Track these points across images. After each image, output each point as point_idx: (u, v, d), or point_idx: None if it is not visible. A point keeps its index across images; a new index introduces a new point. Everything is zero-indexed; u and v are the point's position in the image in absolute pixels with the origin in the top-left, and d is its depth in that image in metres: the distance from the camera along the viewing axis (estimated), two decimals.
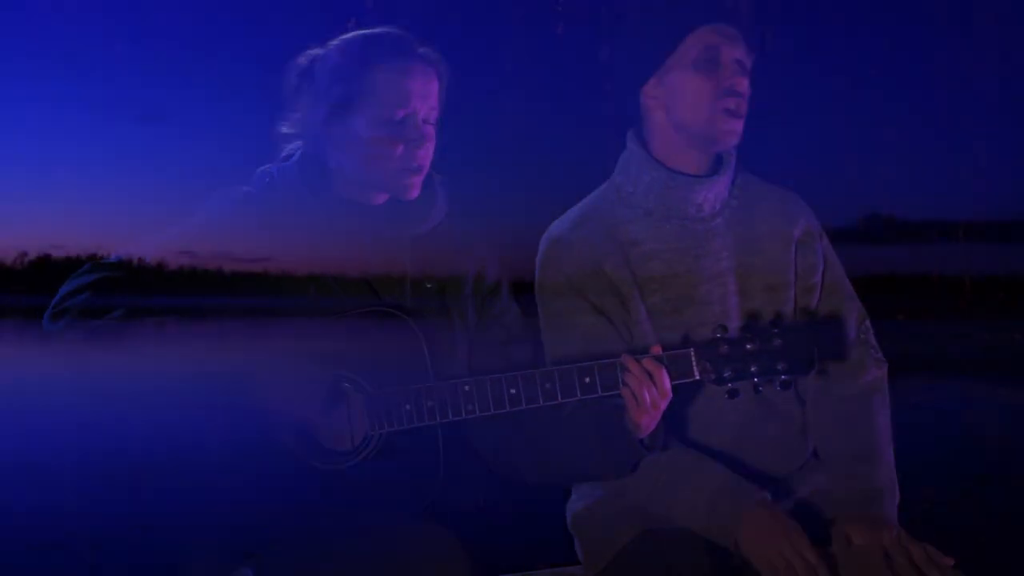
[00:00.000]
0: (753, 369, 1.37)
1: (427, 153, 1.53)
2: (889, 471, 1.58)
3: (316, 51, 1.56)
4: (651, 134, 1.61)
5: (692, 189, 1.57)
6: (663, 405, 1.38)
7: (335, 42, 1.55)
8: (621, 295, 1.54)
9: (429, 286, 1.58)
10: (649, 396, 1.35)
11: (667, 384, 1.37)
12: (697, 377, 1.38)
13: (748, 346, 1.37)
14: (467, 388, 1.41)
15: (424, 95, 1.52)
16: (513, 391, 1.41)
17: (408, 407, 1.42)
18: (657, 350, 1.39)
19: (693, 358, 1.38)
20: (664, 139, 1.59)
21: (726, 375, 1.38)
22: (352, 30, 1.57)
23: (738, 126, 1.54)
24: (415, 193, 1.55)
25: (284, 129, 1.59)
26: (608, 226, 1.58)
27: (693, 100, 1.54)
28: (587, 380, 1.39)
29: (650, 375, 1.36)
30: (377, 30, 1.56)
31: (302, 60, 1.56)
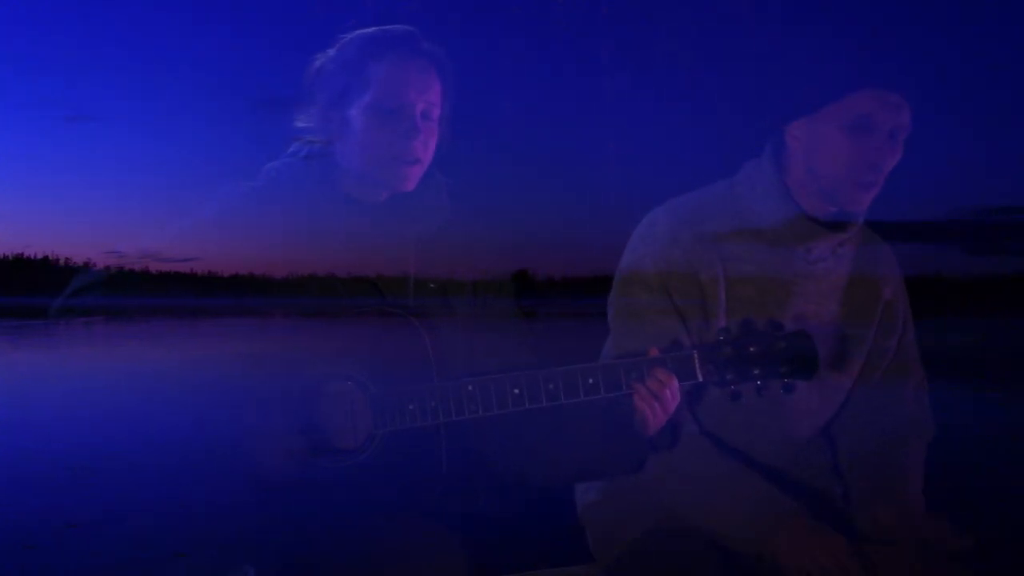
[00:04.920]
0: (756, 372, 1.38)
1: (423, 145, 1.53)
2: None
3: (331, 49, 1.56)
4: (787, 164, 1.57)
5: (811, 236, 1.55)
6: (672, 406, 1.39)
7: (346, 37, 1.55)
8: (706, 307, 1.54)
9: (432, 286, 1.58)
10: (660, 397, 1.36)
11: (676, 385, 1.38)
12: (700, 379, 1.39)
13: (751, 349, 1.39)
14: (471, 388, 1.41)
15: (421, 88, 1.52)
16: (517, 391, 1.41)
17: (411, 406, 1.42)
18: (654, 352, 1.40)
19: (696, 360, 1.39)
20: (796, 177, 1.56)
21: (728, 377, 1.39)
22: (352, 30, 1.57)
23: (868, 198, 1.51)
24: (411, 185, 1.54)
25: (299, 123, 1.59)
26: (714, 233, 1.55)
27: (834, 161, 1.50)
28: (590, 381, 1.40)
29: (660, 380, 1.37)
30: (385, 27, 1.56)
31: (319, 58, 1.56)
